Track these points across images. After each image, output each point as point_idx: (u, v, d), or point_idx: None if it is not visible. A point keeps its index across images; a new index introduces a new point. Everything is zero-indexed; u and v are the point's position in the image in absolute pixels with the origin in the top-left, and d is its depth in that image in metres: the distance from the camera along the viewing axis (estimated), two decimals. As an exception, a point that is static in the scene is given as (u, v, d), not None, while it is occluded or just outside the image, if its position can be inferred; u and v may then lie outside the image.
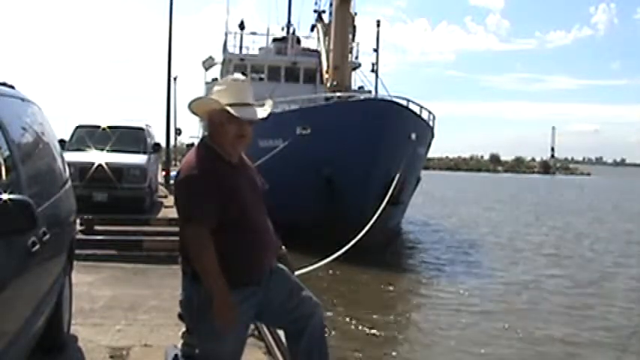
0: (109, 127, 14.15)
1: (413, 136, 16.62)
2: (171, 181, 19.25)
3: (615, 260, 16.63)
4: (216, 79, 28.52)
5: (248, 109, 3.04)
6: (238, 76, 3.29)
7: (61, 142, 8.33)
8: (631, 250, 18.65)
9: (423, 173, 21.50)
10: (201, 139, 3.18)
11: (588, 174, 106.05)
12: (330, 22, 22.54)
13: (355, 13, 22.89)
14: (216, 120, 3.04)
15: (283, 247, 3.37)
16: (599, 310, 10.99)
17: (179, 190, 3.04)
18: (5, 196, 2.61)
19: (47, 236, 3.34)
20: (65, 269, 4.37)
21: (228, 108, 2.98)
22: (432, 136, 19.97)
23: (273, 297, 3.13)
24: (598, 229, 23.75)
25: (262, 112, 3.10)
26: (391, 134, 15.51)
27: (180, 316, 3.75)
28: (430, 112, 18.90)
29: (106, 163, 12.56)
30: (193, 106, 3.13)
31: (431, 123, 19.05)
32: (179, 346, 3.90)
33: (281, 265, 3.28)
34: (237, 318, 2.92)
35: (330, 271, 11.41)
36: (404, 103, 16.83)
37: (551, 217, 28.16)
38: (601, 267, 15.59)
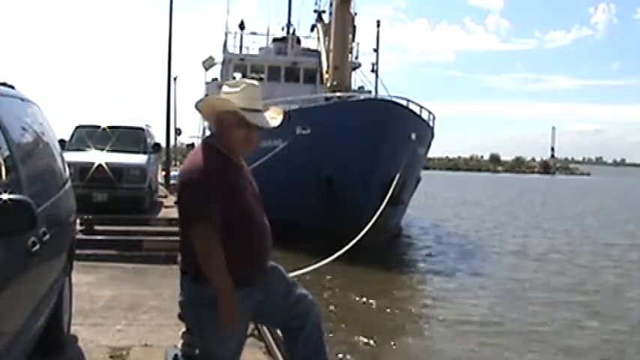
0: (109, 127, 14.15)
1: (413, 136, 16.60)
2: (172, 181, 19.27)
3: (626, 266, 15.98)
4: (216, 79, 28.53)
5: (261, 116, 3.05)
6: (252, 81, 3.21)
7: (61, 142, 8.33)
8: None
9: (423, 173, 21.48)
10: (206, 139, 3.17)
11: (588, 174, 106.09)
12: (330, 22, 22.51)
13: (355, 13, 22.89)
14: (225, 122, 3.02)
15: None
16: (604, 322, 10.48)
17: (184, 190, 3.01)
18: (5, 196, 2.61)
19: (47, 236, 3.34)
20: (65, 269, 4.36)
21: (245, 114, 2.97)
22: (432, 136, 19.95)
23: (270, 296, 3.14)
24: (603, 232, 23.24)
25: (275, 122, 3.11)
26: (391, 134, 15.50)
27: (181, 316, 3.74)
28: (430, 112, 18.90)
29: (106, 163, 12.56)
30: (203, 105, 3.10)
31: (431, 123, 19.04)
32: (179, 346, 3.89)
33: (275, 264, 3.29)
34: (239, 317, 2.92)
35: (330, 271, 11.39)
36: (404, 103, 16.82)
37: (553, 218, 28.10)
38: (608, 275, 14.90)
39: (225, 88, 3.09)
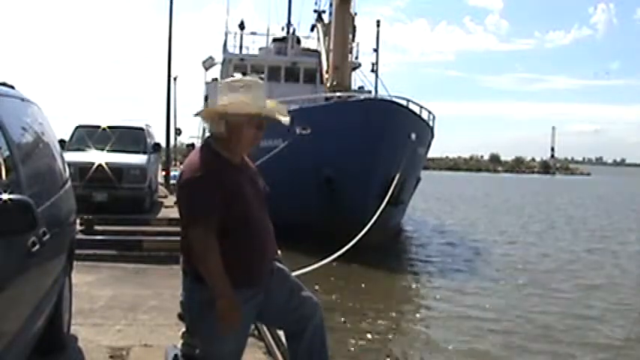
0: (109, 127, 14.14)
1: (413, 136, 16.63)
2: (172, 181, 19.26)
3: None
4: (216, 79, 28.48)
5: (277, 110, 3.10)
6: (254, 78, 3.24)
7: (61, 142, 8.33)
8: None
9: (423, 173, 21.48)
10: (205, 141, 3.17)
11: (588, 174, 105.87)
12: (330, 22, 22.53)
13: (355, 13, 22.89)
14: (235, 123, 2.98)
15: (279, 251, 3.35)
16: (607, 324, 10.18)
17: (183, 192, 3.02)
18: (5, 196, 2.61)
19: (47, 236, 3.33)
20: (65, 269, 4.36)
21: (280, 117, 3.05)
22: (432, 136, 19.97)
23: (273, 298, 3.14)
24: (612, 235, 22.51)
25: (287, 118, 3.13)
26: (391, 134, 15.50)
27: (180, 316, 3.75)
28: (430, 112, 18.93)
29: (106, 163, 12.55)
30: (232, 109, 2.97)
31: (431, 123, 19.06)
32: (179, 346, 3.89)
33: (281, 265, 3.28)
34: (239, 319, 2.91)
35: (330, 271, 11.39)
36: (404, 103, 16.84)
37: (557, 218, 28.00)
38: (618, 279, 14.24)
39: (238, 90, 3.01)
